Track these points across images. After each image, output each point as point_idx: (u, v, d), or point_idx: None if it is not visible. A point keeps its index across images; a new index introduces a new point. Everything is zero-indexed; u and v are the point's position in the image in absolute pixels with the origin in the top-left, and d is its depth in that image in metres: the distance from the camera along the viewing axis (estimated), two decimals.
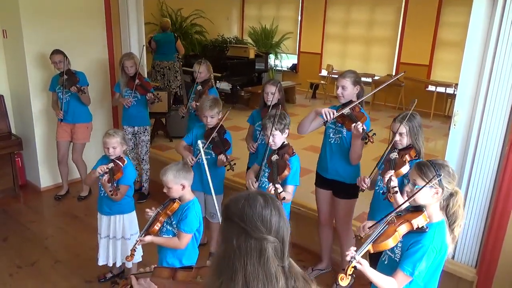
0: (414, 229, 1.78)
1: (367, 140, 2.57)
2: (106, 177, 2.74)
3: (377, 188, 2.52)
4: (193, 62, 7.26)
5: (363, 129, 2.56)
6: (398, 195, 2.24)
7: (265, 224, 1.08)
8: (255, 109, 3.56)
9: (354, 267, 1.72)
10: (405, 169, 2.33)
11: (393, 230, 1.78)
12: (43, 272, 3.27)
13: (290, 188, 2.61)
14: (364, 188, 2.50)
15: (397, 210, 1.89)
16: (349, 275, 1.70)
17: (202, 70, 3.86)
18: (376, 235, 1.80)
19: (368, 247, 1.78)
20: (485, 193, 2.71)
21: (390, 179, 2.27)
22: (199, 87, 3.85)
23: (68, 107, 4.12)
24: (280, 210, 1.12)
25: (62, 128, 4.21)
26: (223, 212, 1.14)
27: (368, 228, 1.92)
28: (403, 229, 1.79)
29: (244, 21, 10.27)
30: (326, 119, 2.68)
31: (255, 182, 2.66)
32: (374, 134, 2.60)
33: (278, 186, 2.48)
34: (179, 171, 2.31)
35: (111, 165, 2.77)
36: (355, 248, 1.77)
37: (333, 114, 2.68)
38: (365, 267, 1.74)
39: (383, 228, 1.82)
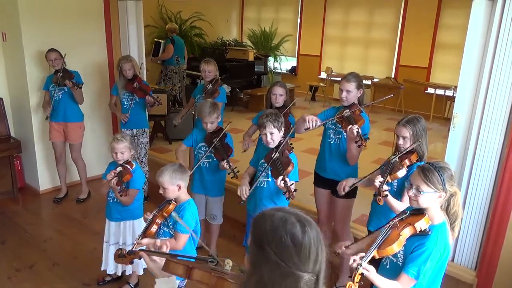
0: (418, 232, 1.78)
1: (359, 144, 2.59)
2: (115, 180, 2.72)
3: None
4: (192, 64, 7.32)
5: (357, 132, 2.57)
6: (391, 198, 2.26)
7: (303, 257, 0.99)
8: (261, 111, 3.57)
9: (362, 274, 1.71)
10: (401, 173, 2.33)
11: (397, 234, 1.79)
12: (41, 275, 3.26)
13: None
14: (343, 193, 2.58)
15: (399, 214, 1.89)
16: (357, 282, 1.69)
17: (211, 69, 3.90)
18: (381, 241, 1.80)
19: (373, 253, 1.77)
20: (484, 196, 2.70)
21: (382, 182, 2.28)
22: (210, 86, 3.87)
23: (59, 105, 4.11)
24: (318, 233, 1.03)
25: (54, 128, 4.20)
26: (255, 235, 1.04)
27: (345, 247, 1.97)
28: (406, 233, 1.79)
29: (243, 23, 10.28)
30: (308, 127, 2.78)
31: (248, 190, 2.68)
32: (368, 138, 2.62)
33: (287, 179, 2.51)
34: (175, 171, 2.31)
35: (119, 169, 2.77)
36: (362, 254, 1.76)
37: (316, 122, 2.78)
38: (371, 273, 1.74)
39: (386, 233, 1.81)
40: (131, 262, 1.93)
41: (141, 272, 3.03)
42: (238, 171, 3.01)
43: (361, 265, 1.72)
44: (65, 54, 4.01)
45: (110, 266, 2.97)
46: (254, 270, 1.03)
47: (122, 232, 2.92)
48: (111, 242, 2.94)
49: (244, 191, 2.68)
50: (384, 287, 1.76)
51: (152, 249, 1.68)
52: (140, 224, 2.94)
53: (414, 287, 1.80)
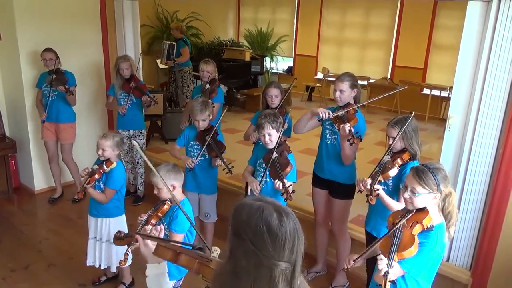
0: (425, 229, 1.79)
1: (351, 142, 2.61)
2: (83, 179, 2.75)
3: None
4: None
5: (349, 130, 2.59)
6: (383, 194, 2.28)
7: (277, 247, 1.01)
8: (259, 111, 3.58)
9: (392, 281, 1.69)
10: (392, 173, 2.35)
11: (410, 234, 1.78)
12: (37, 276, 3.24)
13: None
14: (363, 190, 2.47)
15: (403, 214, 1.89)
16: None
17: (210, 69, 3.91)
18: (397, 243, 1.78)
19: (394, 257, 1.76)
20: (479, 196, 2.72)
21: (372, 182, 2.29)
22: (208, 86, 3.87)
23: (52, 106, 4.09)
24: (296, 225, 1.05)
25: (46, 127, 4.18)
26: (233, 223, 1.06)
27: (353, 261, 1.91)
28: (418, 230, 1.79)
29: (240, 23, 10.28)
30: (322, 117, 2.76)
31: (259, 185, 2.69)
32: (360, 136, 2.63)
33: (285, 180, 2.52)
34: (169, 172, 2.32)
35: (95, 167, 2.78)
36: (386, 262, 1.73)
37: (329, 114, 2.75)
38: (396, 269, 1.74)
39: (399, 234, 1.81)
40: (129, 245, 1.96)
41: (113, 270, 3.03)
42: (232, 167, 3.01)
43: (388, 272, 1.69)
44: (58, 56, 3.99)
45: (89, 259, 2.99)
46: (230, 257, 1.06)
47: (99, 228, 2.93)
48: (91, 236, 2.97)
49: (255, 186, 2.69)
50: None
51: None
52: (117, 223, 2.93)
53: (407, 284, 1.82)
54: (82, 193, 2.80)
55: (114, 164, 2.81)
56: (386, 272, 1.70)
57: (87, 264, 3.00)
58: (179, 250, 1.50)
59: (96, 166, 2.78)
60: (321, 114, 2.75)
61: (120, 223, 2.96)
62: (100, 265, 2.98)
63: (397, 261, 1.81)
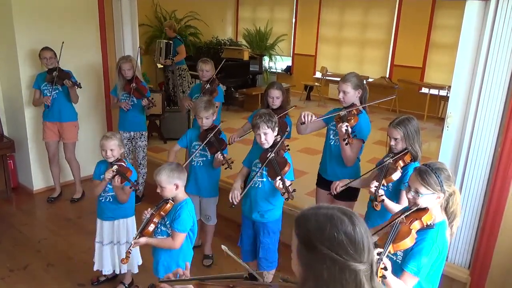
0: (425, 226, 1.80)
1: (346, 141, 2.61)
2: (117, 178, 2.69)
3: None
4: (187, 64, 7.30)
5: (346, 130, 2.59)
6: (388, 201, 2.26)
7: (358, 249, 0.98)
8: (257, 109, 3.57)
9: (384, 268, 1.70)
10: (395, 176, 2.33)
11: (408, 228, 1.79)
12: (36, 276, 3.24)
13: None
14: (334, 193, 2.53)
15: (403, 211, 1.89)
16: (380, 277, 1.68)
17: (209, 69, 3.89)
18: (393, 235, 1.80)
19: (389, 248, 1.78)
20: (478, 195, 2.72)
21: (377, 187, 2.28)
22: (208, 86, 3.86)
23: (54, 105, 4.06)
24: (365, 224, 1.03)
25: (48, 128, 4.16)
26: (302, 236, 1.02)
27: (372, 235, 1.91)
28: (416, 226, 1.80)
29: (238, 23, 10.27)
30: (303, 121, 2.75)
31: (240, 195, 2.67)
32: (355, 135, 2.64)
33: (285, 179, 2.51)
34: (172, 171, 2.32)
35: (115, 167, 2.72)
36: (379, 250, 1.74)
37: (311, 117, 2.75)
38: (389, 268, 1.73)
39: (396, 228, 1.82)
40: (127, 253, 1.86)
41: (136, 271, 3.01)
42: (232, 162, 3.00)
43: (382, 259, 1.70)
44: (63, 42, 3.98)
45: (106, 266, 2.95)
46: (309, 272, 1.01)
47: (116, 231, 2.90)
48: (105, 242, 2.92)
49: (235, 195, 2.66)
50: (394, 284, 1.75)
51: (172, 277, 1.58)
52: (133, 222, 2.94)
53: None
54: (136, 185, 2.74)
55: (125, 162, 2.82)
56: (380, 259, 1.70)
57: (104, 273, 2.98)
58: (232, 284, 1.40)
59: (116, 166, 2.73)
60: (303, 118, 2.74)
61: (133, 222, 2.96)
62: (120, 271, 2.98)
63: (400, 263, 1.82)
